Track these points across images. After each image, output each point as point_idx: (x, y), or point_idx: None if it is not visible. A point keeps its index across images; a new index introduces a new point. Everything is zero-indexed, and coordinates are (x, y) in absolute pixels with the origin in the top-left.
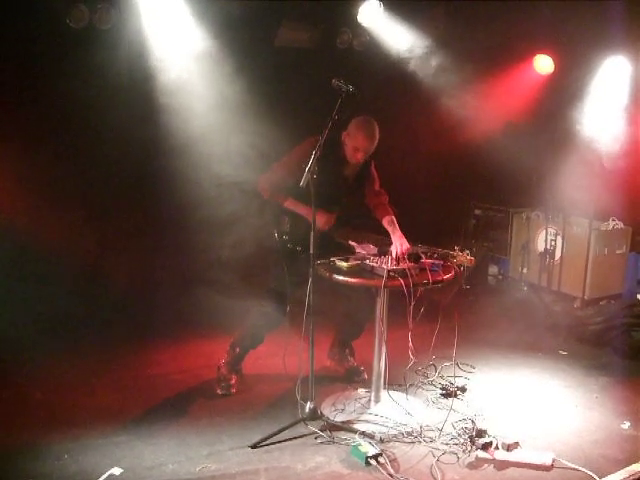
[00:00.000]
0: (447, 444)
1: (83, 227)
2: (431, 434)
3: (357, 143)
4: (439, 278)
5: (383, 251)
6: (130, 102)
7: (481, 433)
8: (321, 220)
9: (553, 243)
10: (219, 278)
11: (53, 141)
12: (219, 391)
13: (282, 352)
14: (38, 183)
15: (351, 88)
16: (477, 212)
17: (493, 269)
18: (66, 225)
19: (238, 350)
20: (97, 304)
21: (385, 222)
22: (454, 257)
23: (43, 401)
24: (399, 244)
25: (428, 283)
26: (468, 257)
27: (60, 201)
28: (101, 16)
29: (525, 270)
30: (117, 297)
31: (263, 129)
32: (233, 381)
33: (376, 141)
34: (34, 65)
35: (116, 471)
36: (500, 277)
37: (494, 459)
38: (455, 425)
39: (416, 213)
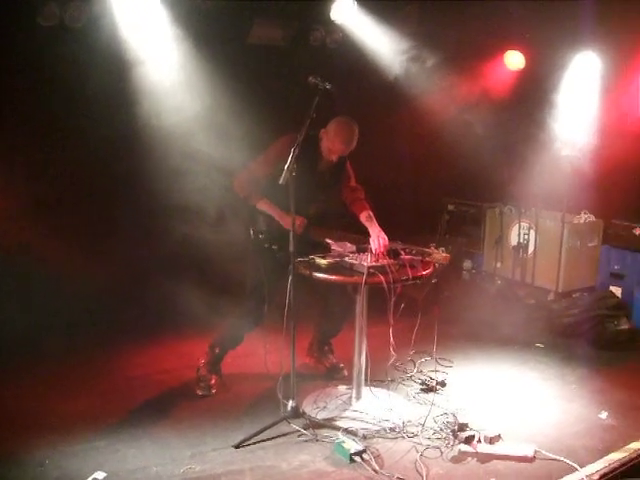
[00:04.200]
0: (430, 439)
1: (58, 231)
2: (413, 429)
3: (333, 146)
4: (419, 274)
5: (361, 248)
6: (104, 100)
7: (463, 427)
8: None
9: (526, 237)
10: (197, 278)
11: (25, 139)
12: (199, 392)
13: (260, 351)
14: (7, 188)
15: (328, 85)
16: (450, 208)
17: (467, 264)
18: (38, 226)
19: (218, 350)
20: (71, 306)
21: (363, 217)
22: (430, 255)
23: (21, 407)
24: (377, 237)
25: (408, 279)
26: (444, 254)
27: (31, 202)
28: (72, 14)
29: (499, 264)
30: (91, 299)
31: (237, 126)
32: (213, 381)
33: (353, 146)
34: (3, 64)
35: (99, 475)
36: (474, 272)
37: (477, 452)
38: (437, 420)
39: (389, 210)
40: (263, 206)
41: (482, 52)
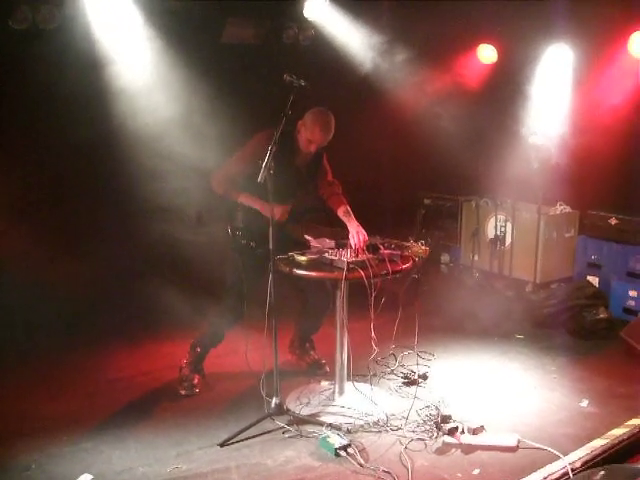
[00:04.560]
0: (414, 431)
1: (40, 233)
2: (397, 422)
3: (312, 136)
4: (398, 268)
5: (341, 244)
6: (78, 102)
7: (446, 419)
8: (277, 212)
9: (503, 229)
10: (176, 277)
11: (3, 141)
12: (182, 392)
13: (242, 349)
14: None
15: (303, 82)
16: (426, 202)
17: (445, 257)
18: (21, 232)
19: (199, 350)
20: (52, 308)
21: (340, 212)
22: (409, 248)
23: (3, 411)
24: (356, 233)
25: (388, 274)
26: (422, 248)
27: (9, 207)
28: (45, 16)
29: (476, 257)
30: (71, 300)
31: (212, 125)
32: (196, 381)
33: (331, 135)
34: None
35: (86, 478)
36: (452, 265)
37: (461, 443)
38: (420, 412)
39: (366, 205)
40: (244, 200)
41: (454, 46)
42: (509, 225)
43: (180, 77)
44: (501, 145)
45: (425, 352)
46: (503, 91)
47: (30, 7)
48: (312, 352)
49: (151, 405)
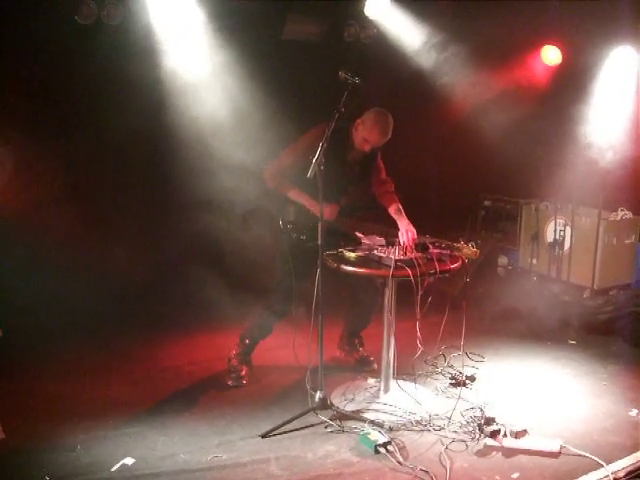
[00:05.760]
0: (456, 432)
1: (94, 220)
2: (440, 422)
3: (369, 136)
4: (446, 268)
5: (390, 242)
6: (138, 97)
7: (489, 421)
8: (326, 211)
9: (562, 233)
10: (227, 269)
11: (61, 136)
12: (230, 382)
13: (291, 343)
14: (44, 176)
15: (357, 80)
16: (486, 203)
17: (503, 260)
18: (78, 218)
19: (248, 342)
20: (107, 297)
21: (392, 210)
22: (459, 249)
23: (56, 393)
24: (406, 231)
25: (435, 273)
26: (473, 249)
27: (68, 194)
28: (109, 12)
29: (534, 261)
30: (126, 290)
31: (270, 121)
32: (244, 372)
33: (387, 138)
34: (42, 62)
35: (128, 461)
36: (510, 268)
37: (502, 446)
38: (464, 414)
39: (425, 204)
40: (293, 195)
41: (518, 47)
42: (568, 229)
43: (238, 73)
44: (562, 148)
45: (475, 354)
46: (567, 93)
47: (97, 3)
48: (361, 348)
49: (198, 394)
